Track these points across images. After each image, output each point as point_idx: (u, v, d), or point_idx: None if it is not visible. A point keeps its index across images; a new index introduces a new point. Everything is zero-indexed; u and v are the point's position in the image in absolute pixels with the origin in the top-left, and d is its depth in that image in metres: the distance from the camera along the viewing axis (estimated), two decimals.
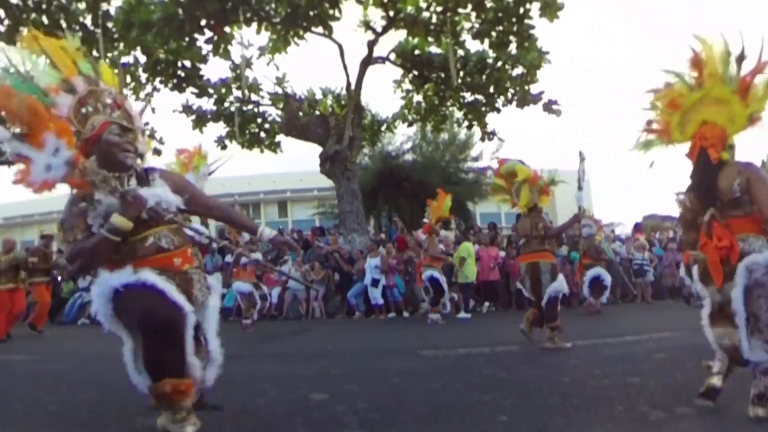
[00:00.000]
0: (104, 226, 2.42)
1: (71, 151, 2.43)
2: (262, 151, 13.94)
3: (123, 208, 2.43)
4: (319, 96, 13.76)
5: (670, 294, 12.26)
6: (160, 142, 13.85)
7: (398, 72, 13.37)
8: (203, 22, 10.06)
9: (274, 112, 13.59)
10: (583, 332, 6.52)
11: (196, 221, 4.32)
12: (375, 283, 10.08)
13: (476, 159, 17.79)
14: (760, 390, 2.81)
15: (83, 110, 2.53)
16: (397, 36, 12.05)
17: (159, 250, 2.59)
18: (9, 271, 8.09)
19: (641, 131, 3.18)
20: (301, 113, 12.75)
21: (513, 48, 11.31)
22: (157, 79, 11.75)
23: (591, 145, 69.23)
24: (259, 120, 13.68)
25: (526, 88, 12.16)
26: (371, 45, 11.69)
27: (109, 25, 10.42)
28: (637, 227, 13.34)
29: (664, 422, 2.90)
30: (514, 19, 10.52)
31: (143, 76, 11.98)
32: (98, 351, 6.70)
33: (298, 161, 36.60)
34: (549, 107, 12.27)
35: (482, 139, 14.25)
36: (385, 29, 11.37)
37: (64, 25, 10.41)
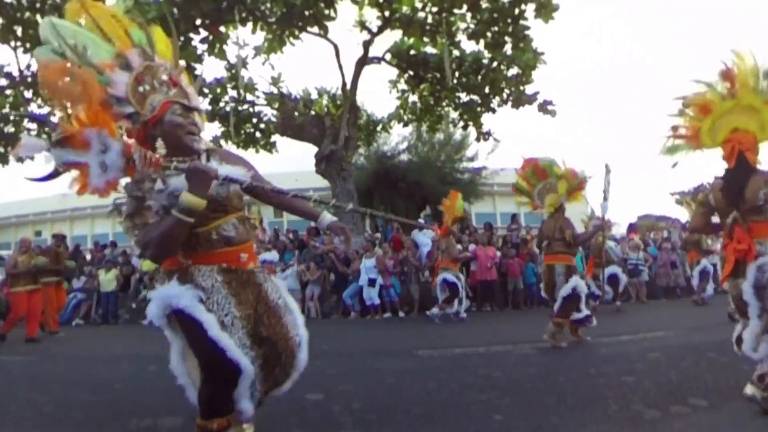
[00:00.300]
0: (175, 207, 2.12)
1: (118, 141, 2.24)
2: (257, 151, 13.92)
3: (193, 183, 2.12)
4: (314, 96, 13.76)
5: (664, 294, 12.33)
6: None
7: (394, 72, 13.39)
8: (198, 22, 10.04)
9: (269, 112, 13.58)
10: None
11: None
12: (372, 283, 10.08)
13: (472, 159, 17.81)
14: (765, 371, 2.92)
15: (140, 88, 2.27)
16: (392, 36, 12.08)
17: (227, 242, 2.32)
18: (28, 273, 8.00)
19: (668, 136, 3.28)
20: (296, 113, 12.73)
21: (508, 48, 11.34)
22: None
23: (586, 146, 69.44)
24: (255, 120, 13.66)
25: (522, 88, 12.19)
26: (367, 45, 11.70)
27: None
28: (632, 227, 13.38)
29: (658, 421, 2.92)
30: (509, 20, 10.55)
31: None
32: (92, 352, 6.69)
33: (293, 161, 36.56)
34: (544, 108, 12.31)
35: (477, 140, 14.29)
36: (381, 29, 11.38)
37: None
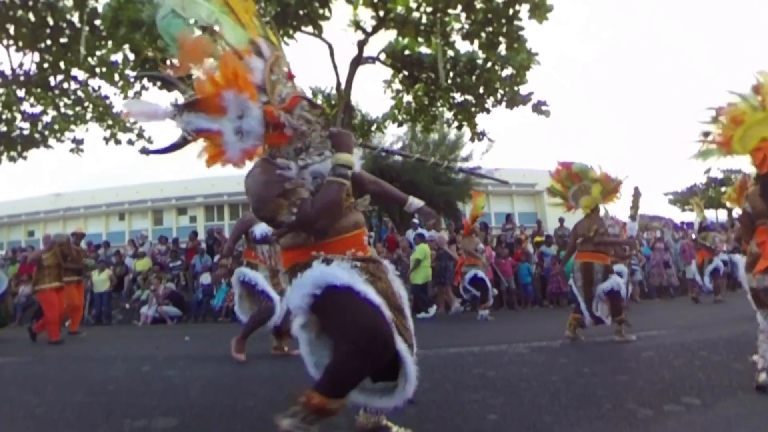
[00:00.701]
0: (331, 172, 2.12)
1: (258, 105, 2.08)
2: None
3: (341, 144, 2.17)
4: (309, 95, 13.75)
5: (657, 293, 12.40)
6: (149, 141, 13.77)
7: (388, 72, 13.39)
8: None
9: None
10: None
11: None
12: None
13: (466, 159, 17.82)
14: None
15: (272, 77, 2.21)
16: (387, 36, 12.08)
17: (356, 225, 2.28)
18: (53, 270, 7.76)
19: (700, 141, 3.50)
20: None
21: (502, 49, 11.36)
22: (146, 78, 11.66)
23: (579, 146, 69.73)
24: None
25: (516, 89, 12.21)
26: (361, 45, 11.70)
27: (97, 22, 10.32)
28: (626, 227, 13.44)
29: (652, 420, 2.93)
30: (503, 21, 10.58)
31: (131, 75, 11.90)
32: (86, 352, 6.65)
33: None
34: (538, 108, 12.34)
35: (472, 140, 14.32)
36: (375, 29, 11.39)
37: (51, 22, 10.30)
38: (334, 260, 2.18)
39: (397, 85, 13.88)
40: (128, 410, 3.44)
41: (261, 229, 5.10)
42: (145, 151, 2.86)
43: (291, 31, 10.96)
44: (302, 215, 2.11)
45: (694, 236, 13.39)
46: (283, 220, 2.14)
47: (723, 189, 29.03)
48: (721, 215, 27.90)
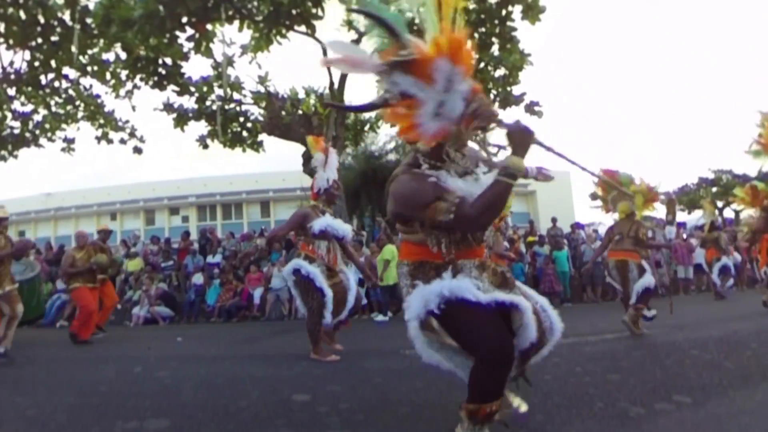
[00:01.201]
0: (502, 172, 2.08)
1: (467, 82, 1.98)
2: (244, 151, 13.85)
3: (518, 144, 2.06)
4: (302, 95, 13.70)
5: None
6: (141, 140, 13.69)
7: None
8: (184, 20, 9.95)
9: (256, 111, 13.50)
10: (565, 330, 6.59)
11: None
12: (360, 282, 10.05)
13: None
14: None
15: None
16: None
17: (482, 240, 2.36)
18: (87, 270, 7.57)
19: (754, 141, 3.84)
20: (283, 112, 12.66)
21: (495, 49, 11.38)
22: (138, 77, 11.59)
23: (571, 146, 70.02)
24: (242, 119, 13.58)
25: (508, 89, 12.24)
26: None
27: (88, 21, 10.25)
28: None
29: (643, 418, 2.95)
30: (496, 21, 10.59)
31: (123, 74, 11.82)
32: (76, 354, 6.60)
33: (280, 161, 36.48)
34: (531, 108, 12.38)
35: None
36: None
37: (41, 20, 10.22)
38: (463, 268, 2.30)
39: None
40: (120, 412, 3.42)
41: (320, 224, 5.08)
42: (334, 105, 2.67)
43: (284, 31, 10.93)
44: (461, 215, 2.12)
45: (685, 236, 13.52)
46: (442, 220, 2.14)
47: (714, 189, 29.26)
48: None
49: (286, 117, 12.55)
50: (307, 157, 12.07)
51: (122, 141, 13.68)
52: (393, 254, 9.70)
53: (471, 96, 2.00)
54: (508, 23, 10.59)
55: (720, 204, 28.76)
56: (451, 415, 3.11)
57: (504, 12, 10.39)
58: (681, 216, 27.68)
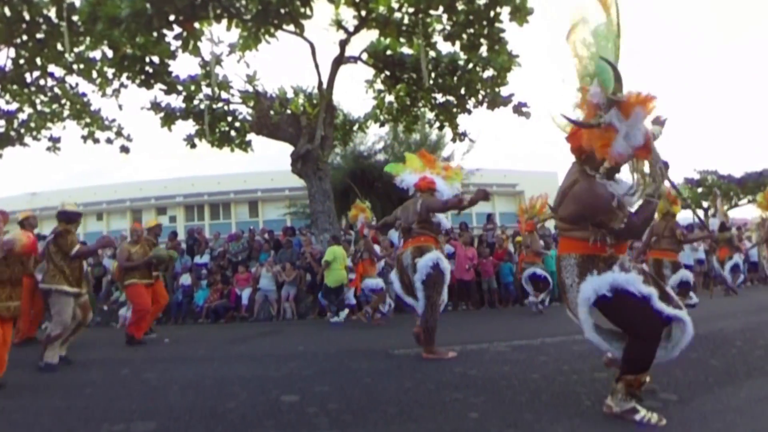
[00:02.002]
0: (652, 194, 2.82)
1: (646, 125, 2.67)
2: (232, 150, 13.76)
3: (660, 176, 2.80)
4: (290, 95, 13.65)
5: None
6: (128, 139, 13.55)
7: (370, 72, 13.36)
8: (172, 18, 9.86)
9: (244, 111, 13.42)
10: (552, 330, 6.64)
11: None
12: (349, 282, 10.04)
13: (448, 159, 17.90)
14: None
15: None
16: (369, 36, 12.04)
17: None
18: (143, 264, 7.30)
19: None
20: (272, 112, 12.60)
21: (484, 50, 11.41)
22: (125, 75, 11.45)
23: (560, 147, 70.46)
24: (230, 118, 13.48)
25: (497, 90, 12.28)
26: (343, 44, 11.65)
27: (74, 18, 10.12)
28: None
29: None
30: (484, 22, 10.61)
31: (110, 72, 11.69)
32: (62, 356, 6.51)
33: (269, 160, 36.34)
34: (519, 109, 12.41)
35: (453, 140, 14.34)
36: (357, 29, 11.35)
37: (27, 17, 10.08)
38: (621, 260, 2.92)
39: (378, 85, 13.84)
40: (106, 414, 3.39)
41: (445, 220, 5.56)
42: (572, 121, 2.75)
43: (272, 30, 10.87)
44: (631, 225, 2.80)
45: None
46: (614, 227, 2.80)
47: (699, 189, 29.60)
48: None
49: (274, 116, 12.50)
50: (295, 157, 12.04)
51: (109, 140, 13.53)
52: (335, 255, 9.55)
53: (647, 135, 2.65)
54: (497, 24, 10.60)
55: (705, 204, 29.15)
56: (439, 415, 3.12)
57: (492, 13, 10.40)
58: None
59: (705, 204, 29.16)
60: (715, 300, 10.00)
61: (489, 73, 12.05)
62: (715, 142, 73.31)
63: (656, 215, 6.97)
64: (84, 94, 12.80)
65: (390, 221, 6.03)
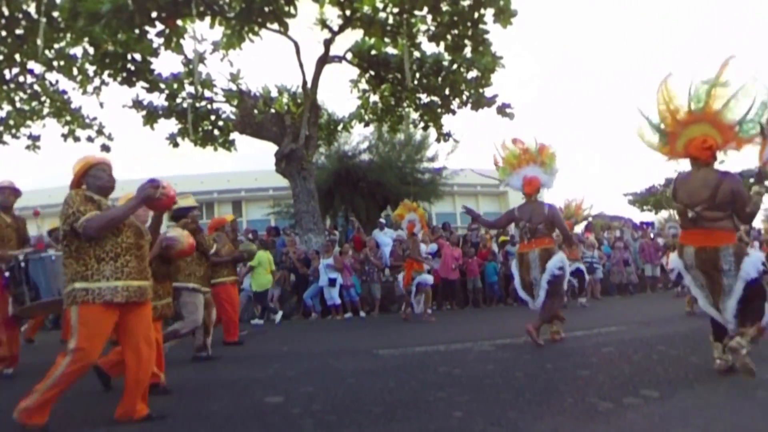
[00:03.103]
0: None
1: None
2: (215, 149, 13.64)
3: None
4: (274, 94, 13.56)
5: (617, 290, 12.76)
6: (109, 138, 13.36)
7: (355, 71, 13.34)
8: (154, 14, 9.74)
9: (228, 109, 13.32)
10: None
11: None
12: (332, 283, 10.02)
13: (432, 159, 17.95)
14: None
15: None
16: (353, 35, 12.02)
17: None
18: (233, 259, 6.90)
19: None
20: (256, 111, 12.51)
21: (468, 51, 11.46)
22: (106, 73, 11.28)
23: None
24: (213, 117, 13.36)
25: (481, 91, 12.33)
26: (328, 44, 11.61)
27: (55, 14, 9.95)
28: (588, 226, 13.80)
29: (612, 413, 3.01)
30: (468, 24, 10.65)
31: (91, 69, 11.51)
32: (41, 358, 6.39)
33: (252, 160, 36.08)
34: (502, 110, 12.48)
35: (438, 140, 14.38)
36: (342, 28, 11.32)
37: (5, 12, 9.88)
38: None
39: (363, 85, 13.83)
40: (87, 417, 3.34)
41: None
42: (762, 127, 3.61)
43: (256, 28, 10.79)
44: (752, 214, 3.71)
45: (652, 235, 13.90)
46: (750, 212, 3.68)
47: None
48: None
49: (258, 115, 12.42)
50: (279, 157, 11.97)
51: (89, 138, 13.30)
52: (259, 260, 9.35)
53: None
54: (481, 26, 10.65)
55: None
56: (424, 414, 3.13)
57: (476, 14, 10.44)
58: (647, 216, 28.43)
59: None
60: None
61: (473, 74, 12.11)
62: None
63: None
64: (64, 92, 12.58)
65: (502, 223, 6.57)
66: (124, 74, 11.19)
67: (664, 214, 27.74)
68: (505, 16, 10.20)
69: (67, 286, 3.01)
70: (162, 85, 12.06)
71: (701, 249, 3.75)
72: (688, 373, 3.83)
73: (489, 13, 10.36)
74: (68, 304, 2.99)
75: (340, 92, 38.14)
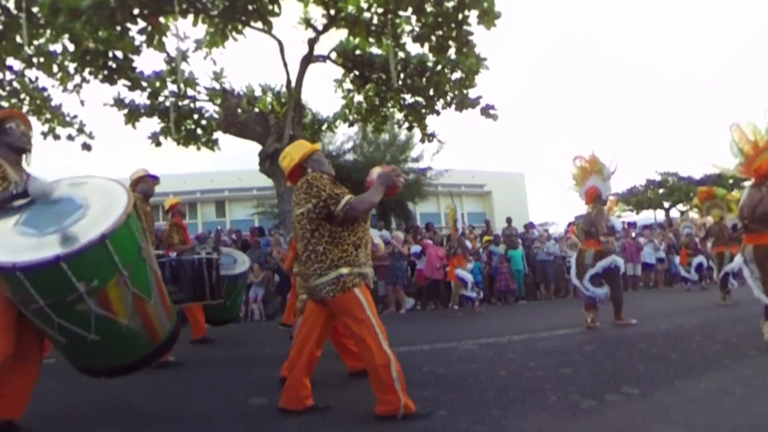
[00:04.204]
0: None
1: None
2: (198, 149, 13.52)
3: None
4: (258, 93, 13.48)
5: None
6: (90, 136, 13.16)
7: (339, 71, 13.31)
8: (136, 11, 9.62)
9: (211, 108, 13.20)
10: (519, 328, 6.74)
11: None
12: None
13: (416, 160, 18.00)
14: None
15: None
16: (338, 35, 11.99)
17: None
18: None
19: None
20: (239, 110, 12.41)
21: (452, 53, 11.51)
22: (87, 70, 11.12)
23: (526, 148, 71.62)
24: (196, 116, 13.24)
25: (465, 92, 12.39)
26: (312, 43, 11.57)
27: (35, 10, 9.78)
28: (570, 226, 13.95)
29: (594, 410, 3.05)
30: (453, 25, 10.68)
31: (71, 66, 11.32)
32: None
33: (236, 159, 35.74)
34: (486, 111, 12.54)
35: (422, 141, 14.41)
36: (326, 28, 11.29)
37: None
38: None
39: (348, 85, 13.80)
40: (68, 422, 3.30)
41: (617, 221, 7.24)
42: None
43: (240, 26, 10.72)
44: None
45: (633, 235, 14.10)
46: None
47: (660, 191, 30.50)
48: (659, 216, 29.37)
49: (241, 115, 12.32)
50: (263, 157, 11.90)
51: (70, 137, 13.08)
52: None
53: None
54: (465, 27, 10.69)
55: (666, 205, 30.08)
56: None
57: (461, 16, 10.48)
58: (629, 216, 28.80)
59: (666, 204, 30.13)
60: (675, 297, 10.34)
61: (457, 75, 12.16)
62: (676, 144, 75.85)
63: (713, 219, 9.24)
64: (44, 89, 12.35)
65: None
66: (106, 72, 11.03)
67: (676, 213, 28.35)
68: (489, 17, 10.25)
69: (329, 273, 2.99)
70: (144, 83, 11.92)
71: (758, 246, 4.63)
72: (668, 371, 3.89)
73: (473, 15, 10.41)
74: (337, 291, 2.98)
75: (325, 92, 38.04)
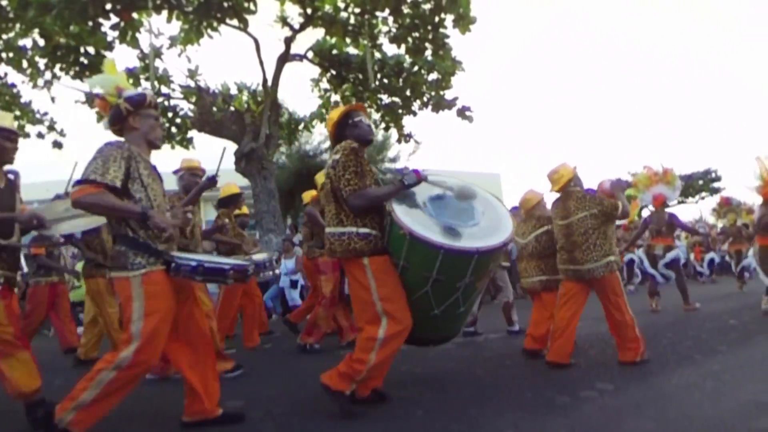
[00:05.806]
0: None
1: None
2: (173, 147, 13.28)
3: None
4: (234, 91, 13.31)
5: None
6: (61, 134, 12.85)
7: (316, 70, 13.26)
8: (108, 6, 9.42)
9: (186, 107, 13.00)
10: (495, 326, 6.78)
11: None
12: (293, 284, 9.92)
13: (394, 160, 18.04)
14: None
15: None
16: (315, 34, 11.94)
17: None
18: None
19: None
20: (214, 108, 12.24)
21: (429, 54, 11.56)
22: (57, 66, 10.85)
23: (504, 149, 72.36)
24: (170, 114, 13.00)
25: (441, 93, 12.46)
26: (288, 42, 11.49)
27: (3, 3, 9.50)
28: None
29: (569, 406, 3.09)
30: (429, 27, 10.74)
31: (42, 62, 11.03)
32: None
33: (212, 159, 35.29)
34: (462, 113, 12.63)
35: (399, 141, 14.44)
36: (303, 26, 11.23)
37: None
38: None
39: (324, 85, 13.75)
40: None
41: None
42: None
43: (215, 24, 10.59)
44: None
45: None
46: None
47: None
48: (643, 213, 29.95)
49: (217, 113, 12.16)
50: (239, 156, 11.77)
51: (40, 135, 12.73)
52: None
53: None
54: (441, 30, 10.75)
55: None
56: (386, 413, 3.13)
57: (437, 19, 10.54)
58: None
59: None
60: (644, 296, 10.53)
61: (434, 76, 12.23)
62: (647, 144, 77.51)
63: (729, 221, 11.01)
64: (13, 85, 12.00)
65: (641, 231, 8.43)
66: (77, 68, 10.77)
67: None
68: (464, 22, 10.32)
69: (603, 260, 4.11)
70: None
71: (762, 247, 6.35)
72: (641, 367, 3.98)
73: (449, 19, 10.48)
74: (606, 272, 4.16)
75: (301, 91, 37.87)
